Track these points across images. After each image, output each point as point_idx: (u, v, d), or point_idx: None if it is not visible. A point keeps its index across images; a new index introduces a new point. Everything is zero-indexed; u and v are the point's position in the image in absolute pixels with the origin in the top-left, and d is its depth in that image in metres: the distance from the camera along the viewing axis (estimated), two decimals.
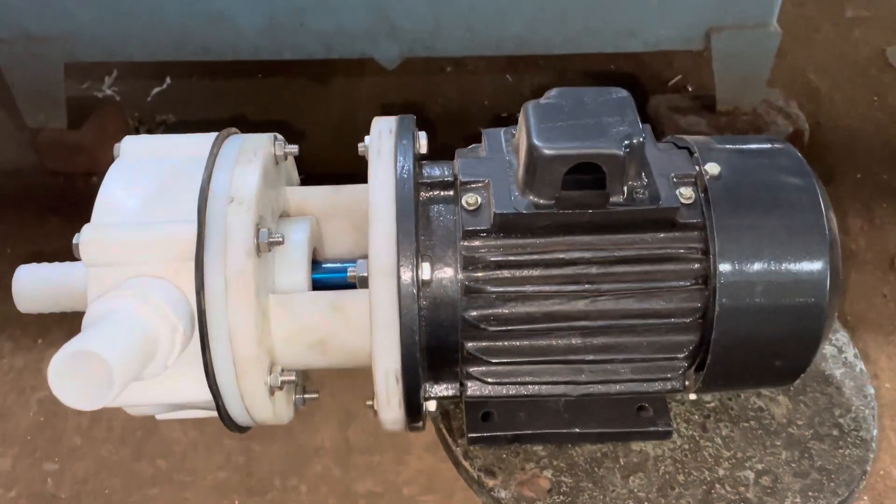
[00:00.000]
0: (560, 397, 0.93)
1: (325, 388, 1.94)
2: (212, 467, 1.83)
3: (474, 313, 0.85)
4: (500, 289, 0.84)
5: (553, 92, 0.87)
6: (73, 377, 0.68)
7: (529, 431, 0.98)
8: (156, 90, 2.74)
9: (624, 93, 0.87)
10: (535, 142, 0.80)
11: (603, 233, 0.84)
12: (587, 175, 0.84)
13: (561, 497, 0.94)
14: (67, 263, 0.90)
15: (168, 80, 2.76)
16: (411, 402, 0.85)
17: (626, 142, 0.80)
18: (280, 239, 0.83)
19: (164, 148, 0.91)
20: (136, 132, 2.54)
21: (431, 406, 0.93)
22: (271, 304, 0.86)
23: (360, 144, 0.91)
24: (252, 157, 0.87)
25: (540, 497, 0.94)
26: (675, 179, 0.86)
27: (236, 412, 0.87)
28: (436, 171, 0.88)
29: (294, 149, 0.94)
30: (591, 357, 0.88)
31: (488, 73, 2.82)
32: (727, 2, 2.15)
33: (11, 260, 1.92)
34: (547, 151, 0.80)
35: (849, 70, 2.56)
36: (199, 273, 0.80)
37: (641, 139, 0.82)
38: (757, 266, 0.83)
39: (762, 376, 0.91)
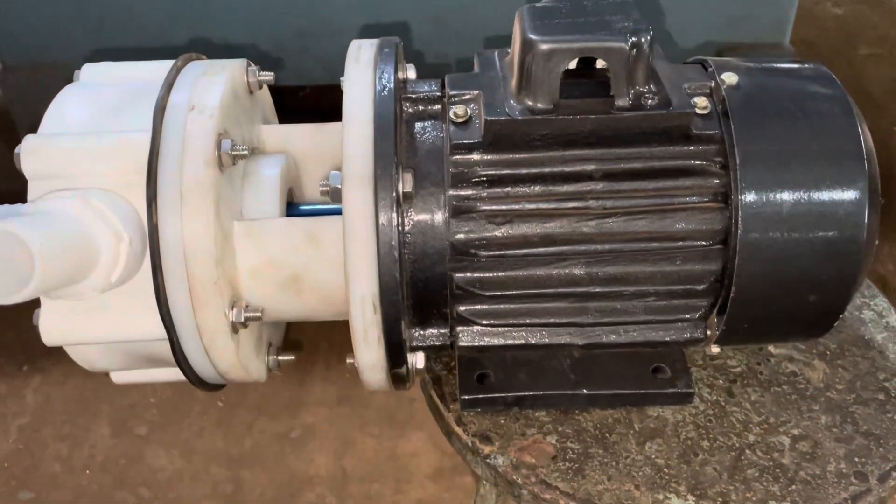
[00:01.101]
0: (564, 348, 0.82)
1: (321, 416, 1.82)
2: (197, 496, 1.70)
3: (464, 237, 0.75)
4: (493, 207, 0.74)
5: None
6: None
7: (531, 393, 0.86)
8: None
9: None
10: (531, 35, 0.72)
11: (609, 145, 0.75)
12: (589, 80, 0.75)
13: (567, 464, 0.81)
14: None
15: None
16: (393, 338, 0.74)
17: (633, 38, 0.72)
18: (245, 151, 0.74)
19: (126, 73, 0.83)
20: None
21: (419, 361, 0.82)
22: (236, 232, 0.76)
23: (342, 78, 0.83)
24: (219, 71, 0.79)
25: (542, 464, 0.81)
26: (688, 90, 0.77)
27: (195, 355, 0.76)
28: (422, 87, 0.79)
29: (269, 76, 0.86)
30: (597, 290, 0.77)
31: None
32: (739, 19, 2.10)
33: None
34: (543, 46, 0.71)
35: (864, 102, 2.50)
36: (150, 183, 0.70)
37: (649, 36, 0.73)
38: (784, 182, 0.73)
39: (795, 319, 0.80)
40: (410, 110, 0.79)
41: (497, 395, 0.86)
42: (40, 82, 2.24)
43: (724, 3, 2.03)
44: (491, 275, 0.77)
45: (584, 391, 0.86)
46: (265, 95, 0.92)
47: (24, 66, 2.19)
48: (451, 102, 0.77)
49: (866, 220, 0.74)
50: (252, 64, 0.85)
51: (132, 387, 1.87)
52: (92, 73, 0.84)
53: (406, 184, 0.72)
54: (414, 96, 0.78)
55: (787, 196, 0.73)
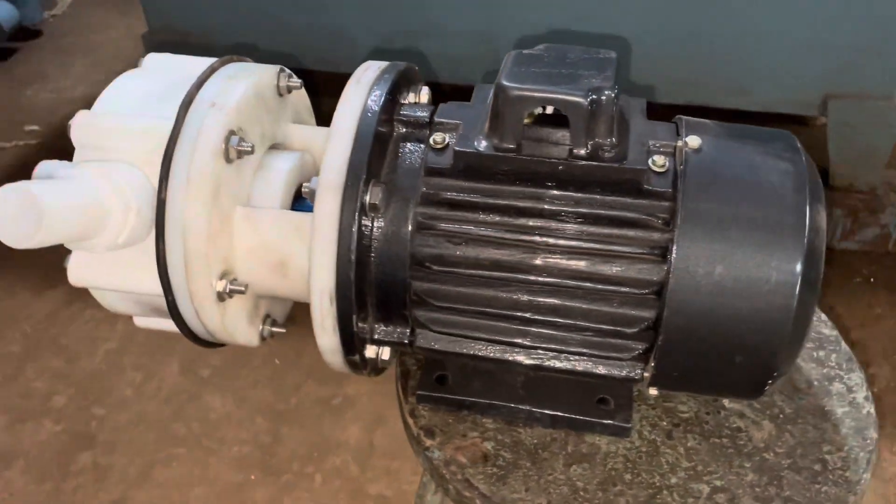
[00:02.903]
0: (514, 366, 0.89)
1: (363, 390, 1.95)
2: (238, 440, 1.88)
3: (423, 250, 0.84)
4: (453, 227, 0.83)
5: (541, 45, 0.87)
6: (5, 213, 0.73)
7: (481, 401, 0.94)
8: None
9: (611, 53, 0.85)
10: (503, 81, 0.80)
11: (565, 188, 0.82)
12: (556, 127, 0.82)
13: (494, 469, 0.89)
14: None
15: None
16: (345, 328, 0.84)
17: (594, 95, 0.78)
18: (249, 148, 0.86)
19: (179, 65, 0.97)
20: None
21: (385, 354, 0.92)
22: (237, 215, 0.89)
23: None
24: (247, 75, 0.91)
25: (471, 464, 0.90)
26: (652, 147, 0.83)
27: (188, 314, 0.89)
28: (415, 112, 0.88)
29: (297, 82, 0.97)
30: (538, 317, 0.84)
31: None
32: (849, 67, 2.04)
33: None
34: (511, 91, 0.79)
35: None
36: (165, 165, 0.84)
37: (611, 94, 0.79)
38: (720, 247, 0.78)
39: (722, 377, 0.84)
40: (402, 131, 0.88)
41: (450, 396, 0.95)
42: (179, 49, 2.47)
43: (830, 51, 1.99)
44: (444, 287, 0.85)
45: (529, 408, 0.93)
46: (300, 97, 1.03)
47: (166, 30, 2.45)
48: (435, 129, 0.86)
49: (796, 296, 0.77)
50: (285, 70, 0.97)
51: None
52: (153, 62, 0.98)
53: (373, 196, 0.81)
54: (405, 119, 0.88)
55: (720, 260, 0.78)
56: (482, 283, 0.84)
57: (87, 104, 0.90)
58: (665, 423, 0.94)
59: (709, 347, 0.81)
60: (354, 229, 0.81)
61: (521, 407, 0.93)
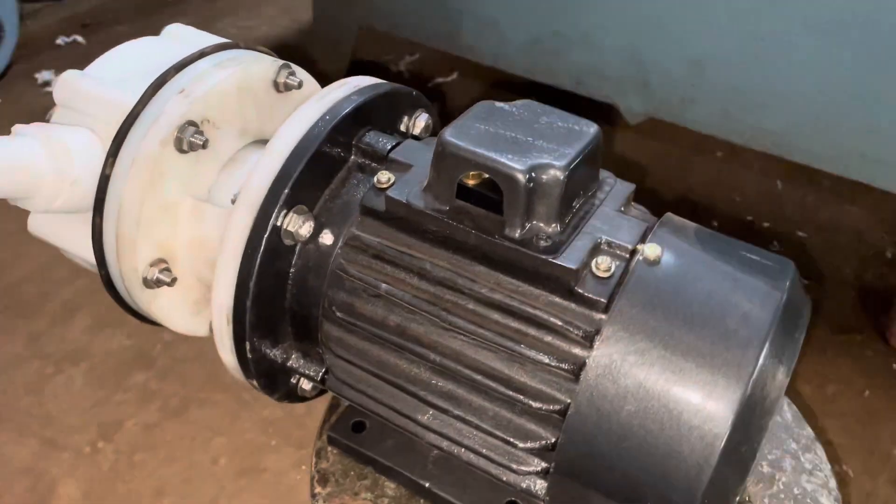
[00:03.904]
0: (415, 437, 0.81)
1: None
2: (273, 403, 1.90)
3: (336, 294, 0.77)
4: (369, 277, 0.75)
5: (520, 101, 0.76)
6: None
7: (387, 464, 0.87)
8: (439, 80, 2.90)
9: (591, 129, 0.73)
10: (444, 134, 0.71)
11: (491, 266, 0.71)
12: (498, 199, 0.72)
13: None
14: None
15: (454, 75, 2.91)
16: (241, 350, 0.79)
17: (536, 172, 0.67)
18: (200, 142, 0.82)
19: (192, 41, 0.95)
20: None
21: (306, 384, 0.87)
22: (185, 206, 0.86)
23: None
24: (235, 65, 0.87)
25: None
26: (603, 246, 0.70)
27: (122, 291, 0.88)
28: (378, 142, 0.81)
29: (295, 80, 0.92)
30: (434, 400, 0.75)
31: (758, 173, 2.56)
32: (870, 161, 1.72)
33: None
34: (448, 147, 0.70)
35: None
36: (116, 141, 0.82)
37: (559, 176, 0.68)
38: (637, 384, 0.65)
39: None
40: (358, 160, 0.81)
41: (358, 448, 0.88)
42: (336, 14, 2.52)
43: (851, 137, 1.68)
44: (349, 337, 0.78)
45: (432, 488, 0.84)
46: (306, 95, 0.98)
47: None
48: (388, 166, 0.79)
49: (707, 479, 0.63)
50: (290, 66, 0.92)
51: None
52: (171, 32, 0.97)
53: (293, 223, 0.75)
54: (363, 148, 0.81)
55: (633, 401, 0.65)
56: (386, 346, 0.76)
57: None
58: None
59: (604, 492, 0.69)
60: (260, 254, 0.75)
61: (424, 484, 0.85)
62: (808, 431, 0.94)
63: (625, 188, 0.76)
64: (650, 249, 0.69)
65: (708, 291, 0.67)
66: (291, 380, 0.87)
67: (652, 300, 0.67)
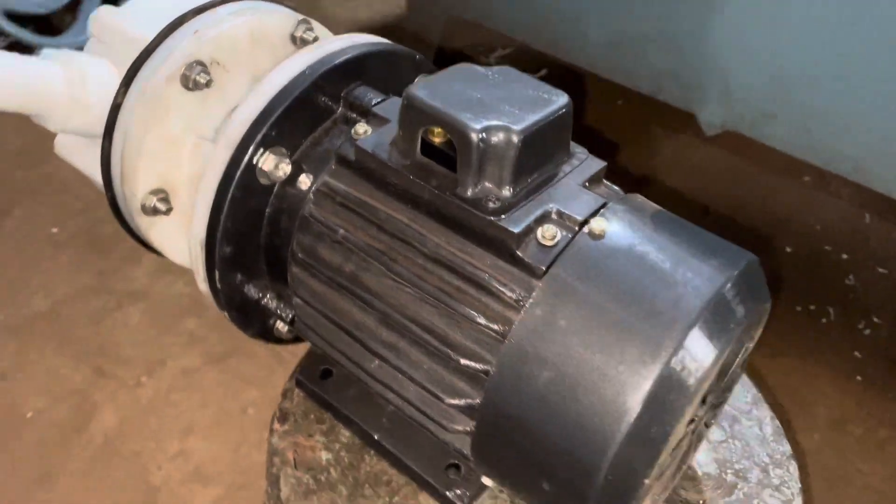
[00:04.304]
0: (368, 386, 0.83)
1: None
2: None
3: (302, 237, 0.80)
4: (332, 222, 0.78)
5: (498, 67, 0.76)
6: None
7: (345, 411, 0.89)
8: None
9: (561, 99, 0.72)
10: (412, 89, 0.72)
11: (443, 224, 0.72)
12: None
13: (309, 479, 0.84)
14: None
15: (544, 72, 2.90)
16: (212, 279, 0.83)
17: (488, 134, 0.68)
18: (204, 81, 0.86)
19: None
20: None
21: (281, 326, 0.90)
22: (189, 143, 0.90)
23: None
24: (251, 14, 0.91)
25: (294, 465, 0.85)
26: (554, 216, 0.70)
27: (125, 213, 0.94)
28: (365, 96, 0.83)
29: (311, 35, 0.95)
30: (379, 349, 0.77)
31: (846, 203, 2.44)
32: None
33: None
34: (412, 101, 0.71)
35: None
36: (129, 73, 0.88)
37: (514, 140, 0.68)
38: (556, 354, 0.64)
39: (532, 496, 0.71)
40: (345, 113, 0.84)
41: (320, 393, 0.91)
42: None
43: None
44: (311, 281, 0.81)
45: (380, 440, 0.86)
46: None
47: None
48: (368, 120, 0.81)
49: (610, 455, 0.62)
50: (309, 21, 0.96)
51: None
52: None
53: (267, 162, 0.79)
54: (352, 101, 0.83)
55: (550, 368, 0.65)
56: (342, 292, 0.78)
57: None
58: None
59: (518, 458, 0.69)
60: (232, 188, 0.79)
61: (374, 435, 0.86)
62: (786, 448, 0.90)
63: (594, 164, 0.75)
64: (597, 223, 0.68)
65: (646, 270, 0.65)
66: (269, 321, 0.90)
67: (587, 272, 0.66)
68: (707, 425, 0.79)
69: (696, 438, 0.78)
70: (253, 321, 0.89)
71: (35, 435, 1.76)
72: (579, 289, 0.65)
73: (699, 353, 0.62)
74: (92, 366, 1.90)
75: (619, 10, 2.08)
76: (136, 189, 0.89)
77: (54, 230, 2.22)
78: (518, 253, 0.68)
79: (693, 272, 0.65)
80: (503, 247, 0.69)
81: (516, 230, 0.68)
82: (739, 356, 0.71)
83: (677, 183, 2.46)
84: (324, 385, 0.91)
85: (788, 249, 2.28)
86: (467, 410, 0.72)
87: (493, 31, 2.48)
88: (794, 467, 0.88)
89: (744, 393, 0.96)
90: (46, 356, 1.91)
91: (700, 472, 0.87)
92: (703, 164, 2.52)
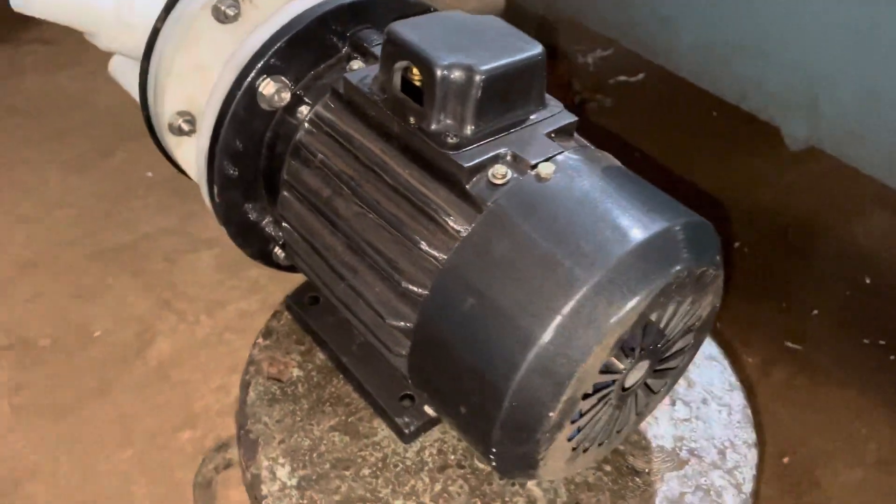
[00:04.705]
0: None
1: None
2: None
3: (291, 161, 0.86)
4: (316, 149, 0.83)
5: (485, 16, 0.80)
6: None
7: (320, 335, 0.94)
8: (622, 78, 2.88)
9: (533, 48, 0.75)
10: (393, 25, 0.76)
11: (407, 156, 0.76)
12: None
13: (276, 390, 0.90)
14: None
15: (640, 76, 2.87)
16: (212, 193, 0.90)
17: (449, 70, 0.71)
18: (232, 13, 0.93)
19: None
20: (573, 100, 2.74)
21: (280, 252, 0.96)
22: (216, 71, 0.98)
23: None
24: None
25: (266, 377, 0.91)
26: (508, 157, 0.73)
27: (157, 132, 1.03)
28: (369, 37, 0.88)
29: None
30: (344, 272, 0.81)
31: None
32: None
33: None
34: (390, 35, 0.76)
35: None
36: (170, 2, 0.96)
37: (475, 78, 0.71)
38: (480, 283, 0.67)
39: (455, 420, 0.73)
40: (350, 52, 0.89)
41: (303, 317, 0.96)
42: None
43: None
44: (296, 205, 0.86)
45: (347, 364, 0.91)
46: None
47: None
48: (365, 59, 0.85)
49: (517, 378, 0.64)
50: None
51: None
52: None
53: (266, 87, 0.85)
54: (355, 41, 0.88)
55: (474, 295, 0.68)
56: (319, 217, 0.84)
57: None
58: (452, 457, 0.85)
59: (441, 381, 0.72)
60: (232, 108, 0.85)
61: (343, 360, 0.91)
62: (750, 435, 0.89)
63: (565, 117, 0.77)
64: (545, 167, 0.70)
65: (581, 213, 0.67)
66: (269, 246, 0.97)
67: (524, 209, 0.68)
68: (652, 391, 0.79)
69: (639, 405, 0.78)
70: (251, 242, 0.95)
71: (99, 352, 1.91)
72: (513, 223, 0.68)
73: (613, 296, 0.63)
74: (159, 299, 2.04)
75: (709, 15, 2.05)
76: (164, 108, 0.97)
77: (149, 174, 2.39)
78: (467, 187, 0.71)
79: (628, 221, 0.67)
80: (455, 180, 0.72)
81: (467, 165, 0.71)
82: (677, 318, 0.71)
83: (758, 200, 2.39)
84: (309, 311, 0.96)
85: (868, 280, 2.18)
86: (407, 333, 0.75)
87: (591, 30, 2.48)
88: (753, 454, 0.87)
89: (721, 378, 0.95)
90: (120, 284, 2.06)
91: (654, 444, 0.87)
92: (788, 183, 2.44)
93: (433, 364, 0.72)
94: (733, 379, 0.95)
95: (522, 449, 0.69)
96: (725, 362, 0.97)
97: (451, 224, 0.71)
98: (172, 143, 1.00)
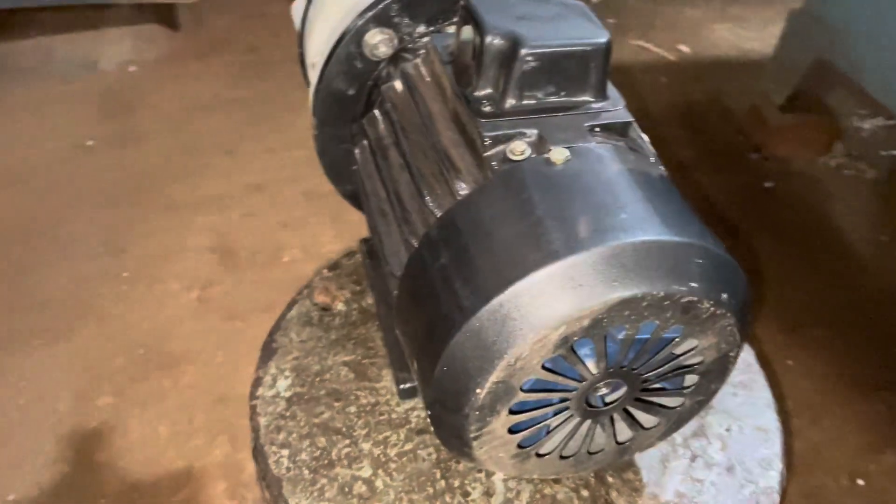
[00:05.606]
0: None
1: None
2: None
3: (375, 111, 0.91)
4: (390, 99, 0.87)
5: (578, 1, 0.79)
6: None
7: (373, 280, 0.99)
8: None
9: (598, 37, 0.72)
10: None
11: (451, 118, 0.78)
12: None
13: (312, 316, 0.96)
14: None
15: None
16: (316, 130, 0.97)
17: (501, 39, 0.71)
18: None
19: None
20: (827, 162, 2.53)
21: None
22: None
23: None
24: None
25: (313, 304, 0.98)
26: (534, 138, 0.72)
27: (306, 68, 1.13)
28: None
29: None
30: (376, 217, 0.85)
31: None
32: None
33: None
34: (462, 2, 0.77)
35: None
36: None
37: (522, 52, 0.71)
38: (458, 242, 0.67)
39: (410, 370, 0.75)
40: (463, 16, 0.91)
41: (367, 262, 1.01)
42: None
43: None
44: (363, 146, 0.92)
45: (384, 317, 0.94)
46: None
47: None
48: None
49: (451, 342, 0.64)
50: None
51: None
52: None
53: (372, 37, 0.90)
54: (463, 8, 0.90)
55: (446, 257, 0.68)
56: (374, 164, 0.88)
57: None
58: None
59: (408, 334, 0.73)
60: (337, 48, 0.91)
61: (380, 313, 0.95)
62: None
63: (619, 116, 0.74)
64: (557, 152, 0.68)
65: (571, 204, 0.65)
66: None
67: (522, 188, 0.67)
68: (640, 425, 0.74)
69: (618, 433, 0.74)
70: (343, 180, 1.01)
71: (282, 274, 2.11)
72: (503, 199, 0.67)
73: (563, 291, 0.61)
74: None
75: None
76: (309, 48, 1.07)
77: None
78: (484, 156, 0.71)
79: (614, 222, 0.63)
80: (475, 147, 0.73)
81: (488, 134, 0.71)
82: (655, 345, 0.66)
83: None
84: (373, 256, 1.01)
85: None
86: None
87: (864, 91, 2.26)
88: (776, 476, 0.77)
89: (765, 452, 0.85)
90: (319, 223, 2.26)
91: (647, 490, 0.81)
92: None
93: (405, 316, 0.73)
94: (778, 459, 0.85)
95: (452, 419, 0.68)
96: (777, 438, 0.87)
97: (458, 186, 0.72)
98: (313, 79, 1.10)
